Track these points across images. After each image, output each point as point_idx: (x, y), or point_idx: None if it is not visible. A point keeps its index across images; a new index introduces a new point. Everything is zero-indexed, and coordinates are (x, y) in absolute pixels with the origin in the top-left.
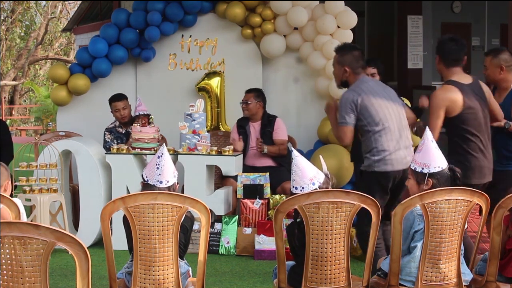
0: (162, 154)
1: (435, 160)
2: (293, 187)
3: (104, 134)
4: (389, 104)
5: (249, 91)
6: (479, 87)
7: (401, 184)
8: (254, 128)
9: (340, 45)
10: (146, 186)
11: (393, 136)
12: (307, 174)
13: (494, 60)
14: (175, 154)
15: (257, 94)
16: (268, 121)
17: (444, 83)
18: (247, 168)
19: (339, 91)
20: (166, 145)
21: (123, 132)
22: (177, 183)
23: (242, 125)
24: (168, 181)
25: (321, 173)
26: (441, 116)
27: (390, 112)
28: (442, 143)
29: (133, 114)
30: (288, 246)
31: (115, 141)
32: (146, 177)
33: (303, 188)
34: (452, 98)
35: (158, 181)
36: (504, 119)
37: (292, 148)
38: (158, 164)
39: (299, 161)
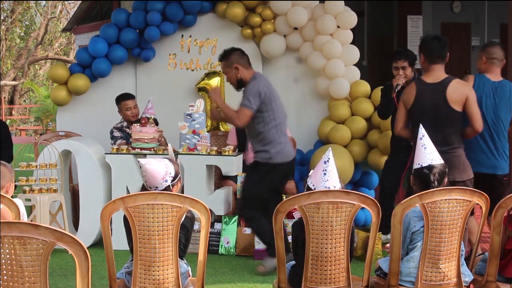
0: (140, 166)
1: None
2: (326, 187)
3: (112, 131)
4: (279, 101)
5: None
6: (443, 87)
7: (285, 181)
8: None
9: (221, 53)
10: (143, 187)
11: (283, 130)
12: (336, 175)
13: (481, 52)
14: (175, 154)
15: None
16: None
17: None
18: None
19: (338, 91)
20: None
21: (131, 133)
22: (176, 184)
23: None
24: (157, 187)
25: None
26: (401, 109)
27: (280, 109)
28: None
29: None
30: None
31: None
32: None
33: (328, 188)
34: (407, 91)
35: (148, 186)
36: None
37: (330, 149)
38: (141, 173)
39: (332, 164)
